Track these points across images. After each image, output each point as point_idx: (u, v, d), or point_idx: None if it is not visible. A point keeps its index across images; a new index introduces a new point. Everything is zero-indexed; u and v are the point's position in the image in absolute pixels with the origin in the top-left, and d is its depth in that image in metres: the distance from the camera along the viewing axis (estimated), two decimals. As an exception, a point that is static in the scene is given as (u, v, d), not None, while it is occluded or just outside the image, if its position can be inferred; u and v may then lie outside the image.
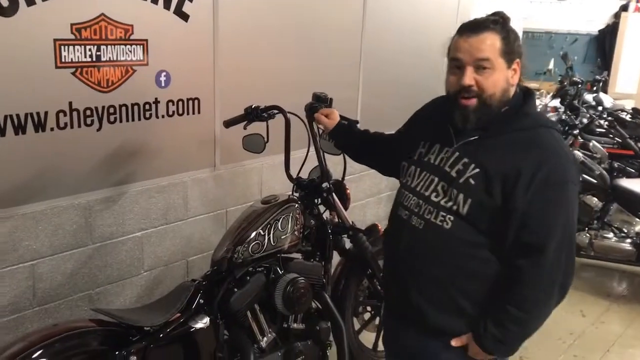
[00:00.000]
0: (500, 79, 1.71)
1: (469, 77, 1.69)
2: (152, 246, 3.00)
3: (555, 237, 1.65)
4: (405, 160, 1.93)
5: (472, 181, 1.71)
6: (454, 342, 1.80)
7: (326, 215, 2.73)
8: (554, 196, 1.66)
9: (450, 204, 1.74)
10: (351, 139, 2.37)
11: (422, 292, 1.80)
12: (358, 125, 2.44)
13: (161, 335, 2.07)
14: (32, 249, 2.53)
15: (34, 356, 1.83)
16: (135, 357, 1.95)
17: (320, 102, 2.43)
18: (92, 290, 2.78)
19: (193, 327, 2.14)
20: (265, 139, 2.60)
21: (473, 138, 1.77)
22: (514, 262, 1.69)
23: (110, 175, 2.75)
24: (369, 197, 4.28)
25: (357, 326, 2.94)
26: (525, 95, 1.81)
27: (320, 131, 2.46)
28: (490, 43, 1.68)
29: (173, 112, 2.91)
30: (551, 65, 6.38)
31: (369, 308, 2.99)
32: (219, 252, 2.37)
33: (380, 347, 3.00)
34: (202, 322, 2.17)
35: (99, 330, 2.01)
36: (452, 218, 1.73)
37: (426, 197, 1.80)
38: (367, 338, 2.99)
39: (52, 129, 2.47)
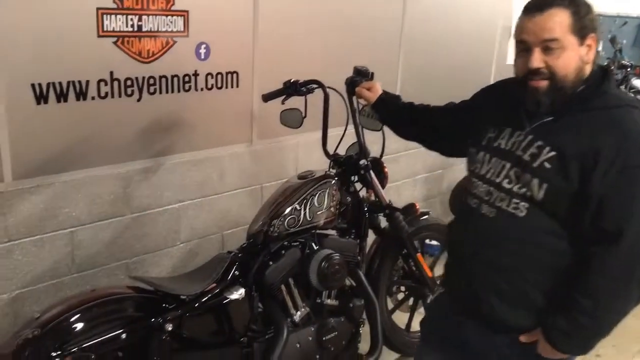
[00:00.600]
0: (573, 58, 1.57)
1: (537, 60, 1.56)
2: (188, 219, 3.02)
3: (634, 225, 1.50)
4: (473, 146, 1.80)
5: (547, 165, 1.58)
6: (523, 338, 1.67)
7: (362, 193, 2.69)
8: (634, 180, 1.51)
9: (524, 190, 1.61)
10: (396, 111, 2.25)
11: (491, 284, 1.68)
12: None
13: (196, 304, 2.08)
14: (71, 216, 2.57)
15: (72, 320, 1.86)
16: (170, 325, 1.97)
17: (361, 76, 2.38)
18: (129, 259, 2.82)
19: (228, 298, 2.15)
20: (303, 114, 2.57)
21: (547, 119, 1.63)
22: (587, 249, 1.56)
23: (148, 147, 2.77)
24: (405, 179, 4.22)
25: (390, 306, 2.92)
26: (604, 72, 1.66)
27: (360, 106, 2.41)
28: (558, 20, 1.53)
29: (212, 85, 2.90)
30: (600, 48, 6.14)
31: (403, 288, 2.96)
32: (255, 225, 2.37)
33: (414, 328, 2.98)
34: (238, 294, 2.17)
35: (135, 297, 2.03)
36: (526, 205, 1.61)
37: (497, 184, 1.67)
38: (400, 319, 2.96)
39: (93, 98, 2.49)
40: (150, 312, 1.98)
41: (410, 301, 2.97)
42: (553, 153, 1.58)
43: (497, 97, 1.85)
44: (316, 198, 2.39)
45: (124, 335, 1.90)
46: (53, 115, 2.40)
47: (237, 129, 3.12)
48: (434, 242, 3.44)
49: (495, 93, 1.90)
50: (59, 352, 1.78)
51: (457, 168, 4.64)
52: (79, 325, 1.85)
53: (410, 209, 2.65)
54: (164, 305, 2.03)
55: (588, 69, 1.63)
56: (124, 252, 2.79)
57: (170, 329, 1.96)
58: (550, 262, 1.63)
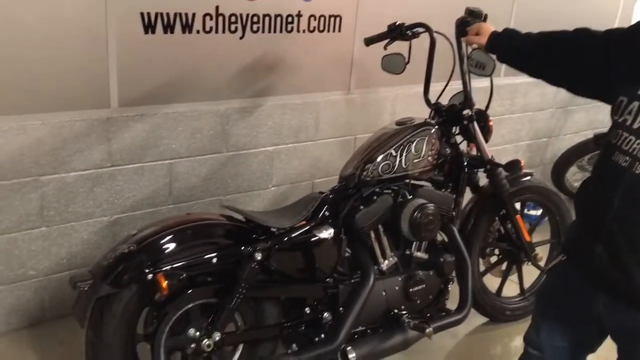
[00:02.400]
0: None
1: None
2: (281, 162, 3.02)
3: None
4: (624, 94, 1.56)
5: None
6: None
7: (463, 147, 2.56)
8: None
9: None
10: (518, 45, 1.96)
11: (634, 251, 1.47)
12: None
13: (286, 238, 2.06)
14: (171, 148, 2.63)
15: (166, 239, 1.90)
16: (260, 254, 1.97)
17: (473, 17, 2.22)
18: (222, 196, 2.86)
19: (317, 236, 2.12)
20: (406, 60, 2.45)
21: None
22: None
23: (248, 86, 2.77)
24: (507, 144, 4.00)
25: (482, 268, 2.78)
26: None
27: (470, 50, 2.26)
28: None
29: (314, 27, 2.85)
30: None
31: (497, 251, 2.81)
32: (347, 169, 2.31)
33: (505, 293, 2.84)
34: (327, 233, 2.14)
35: (227, 225, 2.05)
36: None
37: None
38: (491, 283, 2.82)
39: (197, 32, 2.51)
40: (241, 241, 1.99)
41: (504, 265, 2.82)
42: None
43: None
44: (414, 145, 2.29)
45: (214, 260, 1.92)
46: (159, 46, 2.44)
47: (336, 75, 3.06)
48: (532, 212, 3.25)
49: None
50: (152, 269, 1.82)
51: (564, 137, 4.34)
52: (173, 246, 1.89)
53: (514, 165, 2.48)
54: (254, 235, 2.03)
55: None
56: (219, 189, 2.84)
57: (259, 258, 1.96)
58: None
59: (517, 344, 2.34)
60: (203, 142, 2.72)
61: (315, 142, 3.11)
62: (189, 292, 1.94)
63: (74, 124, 2.36)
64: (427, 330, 2.12)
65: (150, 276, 1.81)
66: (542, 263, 2.70)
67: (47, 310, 2.56)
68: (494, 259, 2.83)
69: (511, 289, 2.87)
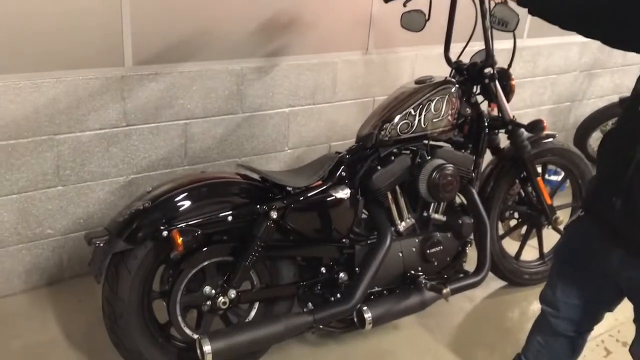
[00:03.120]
0: None
1: None
2: (297, 125, 2.97)
3: None
4: None
5: None
6: None
7: (484, 107, 2.49)
8: None
9: None
10: None
11: None
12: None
13: (301, 197, 2.04)
14: (186, 108, 2.60)
15: (179, 197, 1.88)
16: (275, 213, 1.94)
17: (497, -31, 2.14)
18: (238, 158, 2.84)
19: (333, 196, 2.09)
20: (427, 17, 2.37)
21: None
22: None
23: (264, 45, 2.71)
24: (529, 108, 3.90)
25: (500, 232, 2.74)
26: None
27: (493, 4, 2.17)
28: None
29: (331, -16, 2.78)
30: None
31: (516, 215, 2.76)
32: (365, 128, 2.27)
33: (524, 257, 2.80)
34: (343, 193, 2.11)
35: (243, 183, 2.02)
36: None
37: None
38: (510, 247, 2.78)
39: (213, -12, 2.46)
40: (257, 200, 1.97)
41: (523, 229, 2.77)
42: None
43: None
44: (433, 104, 2.23)
45: (229, 218, 1.90)
46: (174, 4, 2.40)
47: (354, 35, 2.99)
48: (553, 178, 3.18)
49: None
50: (167, 226, 1.81)
51: (587, 102, 4.23)
52: (188, 203, 1.87)
53: (537, 125, 2.39)
54: (269, 194, 2.01)
55: None
56: (234, 151, 2.82)
57: (275, 216, 1.94)
58: None
59: (535, 308, 2.30)
60: (218, 103, 2.68)
61: (332, 104, 3.05)
62: (205, 250, 1.93)
63: (88, 82, 2.33)
64: (445, 291, 2.09)
65: (165, 233, 1.80)
66: (562, 227, 2.64)
67: (66, 269, 2.58)
68: (513, 223, 2.78)
69: (530, 254, 2.82)
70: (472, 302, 2.68)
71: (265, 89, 2.79)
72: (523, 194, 2.68)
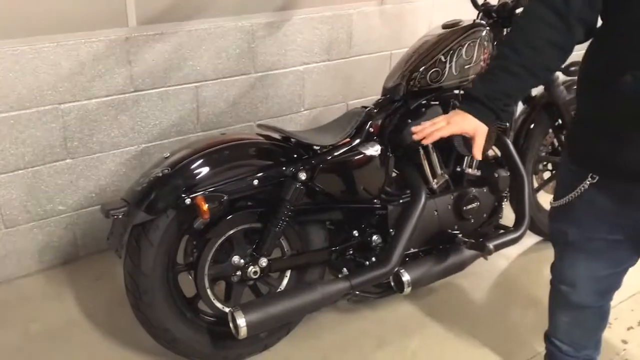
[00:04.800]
0: None
1: None
2: (312, 83, 2.81)
3: None
4: None
5: None
6: None
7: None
8: None
9: None
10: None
11: None
12: None
13: (330, 157, 1.89)
14: (196, 70, 2.44)
15: (200, 162, 1.73)
16: (304, 175, 1.80)
17: None
18: (252, 121, 2.68)
19: (364, 153, 1.94)
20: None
21: None
22: None
23: (274, -2, 2.54)
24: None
25: (534, 185, 2.60)
26: None
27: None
28: None
29: None
30: None
31: (550, 166, 2.61)
32: (391, 80, 2.11)
33: (559, 210, 2.66)
34: (374, 150, 1.96)
35: (266, 144, 1.87)
36: None
37: None
38: (543, 200, 2.64)
39: (217, -64, 2.27)
40: (282, 161, 1.83)
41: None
42: None
43: None
44: (464, 50, 2.06)
45: (255, 182, 1.76)
46: (177, -46, 2.22)
47: (368, -17, 2.81)
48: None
49: None
50: (190, 193, 1.67)
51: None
52: (210, 168, 1.73)
53: (574, 67, 2.23)
54: (295, 155, 1.86)
55: None
56: (248, 114, 2.66)
57: (304, 178, 1.80)
58: None
59: None
60: (229, 63, 2.51)
61: (347, 60, 2.89)
62: (230, 217, 1.79)
63: (91, 45, 2.17)
64: (489, 248, 1.96)
65: (188, 200, 1.66)
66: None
67: (80, 247, 2.45)
68: (547, 175, 2.64)
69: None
70: (508, 260, 2.56)
71: (277, 46, 2.62)
72: (557, 144, 2.53)
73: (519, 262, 2.55)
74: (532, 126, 2.44)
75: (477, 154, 1.56)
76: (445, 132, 1.54)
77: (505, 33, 2.24)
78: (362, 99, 2.99)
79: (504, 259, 2.54)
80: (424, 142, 1.59)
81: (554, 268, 1.67)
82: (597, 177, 1.39)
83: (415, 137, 1.59)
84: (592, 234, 1.48)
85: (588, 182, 1.40)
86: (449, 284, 2.35)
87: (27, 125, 2.14)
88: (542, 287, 2.39)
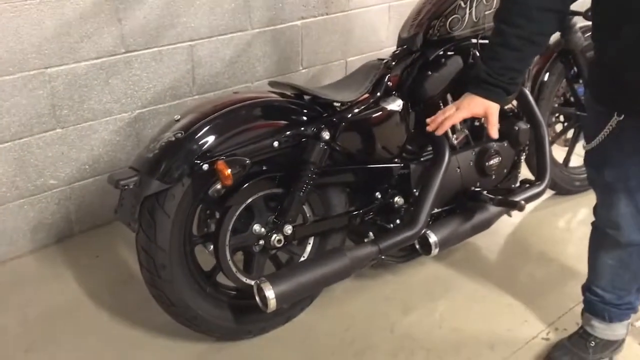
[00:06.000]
0: None
1: None
2: (311, 39, 2.65)
3: None
4: None
5: None
6: None
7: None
8: None
9: None
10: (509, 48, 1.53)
11: None
12: None
13: (351, 114, 1.76)
14: (190, 28, 2.26)
15: (215, 123, 1.58)
16: (327, 134, 1.67)
17: None
18: (250, 82, 2.52)
19: (386, 109, 1.82)
20: None
21: None
22: None
23: (269, -54, 2.36)
24: None
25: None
26: None
27: None
28: None
29: None
30: None
31: (562, 118, 2.53)
32: (408, 29, 1.97)
33: (572, 163, 2.60)
34: (396, 105, 1.84)
35: (282, 102, 1.73)
36: None
37: None
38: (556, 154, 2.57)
39: None
40: (301, 120, 1.69)
41: (569, 133, 2.56)
42: None
43: None
44: (485, -6, 1.93)
45: (275, 144, 1.62)
46: None
47: None
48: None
49: None
50: (205, 158, 1.53)
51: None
52: (226, 130, 1.58)
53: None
54: (313, 113, 1.72)
55: None
56: (246, 74, 2.50)
57: (327, 137, 1.67)
58: None
59: (587, 215, 2.14)
60: (225, 19, 2.34)
61: (347, 13, 2.73)
62: (250, 183, 1.66)
63: (77, 2, 1.97)
64: (521, 204, 1.87)
65: (206, 166, 1.52)
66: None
67: (75, 223, 2.29)
68: (559, 128, 2.56)
69: (578, 160, 2.62)
70: (521, 214, 2.48)
71: (274, 0, 2.45)
72: (569, 95, 2.44)
73: (533, 216, 2.49)
74: (546, 76, 2.34)
75: (493, 133, 1.62)
76: (456, 119, 1.62)
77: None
78: (361, 55, 2.86)
79: (517, 214, 2.46)
80: (438, 132, 1.66)
81: (596, 211, 1.63)
82: (623, 115, 1.38)
83: (429, 128, 1.66)
84: (627, 171, 1.47)
85: (615, 121, 1.40)
86: (466, 244, 2.27)
87: (11, 93, 1.94)
88: (560, 242, 2.34)
